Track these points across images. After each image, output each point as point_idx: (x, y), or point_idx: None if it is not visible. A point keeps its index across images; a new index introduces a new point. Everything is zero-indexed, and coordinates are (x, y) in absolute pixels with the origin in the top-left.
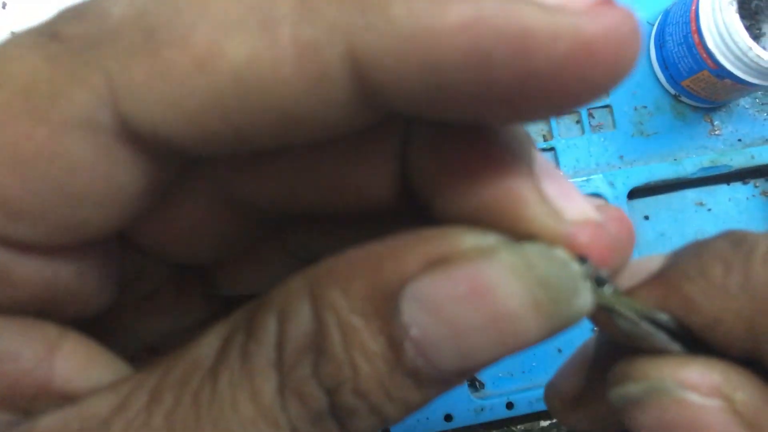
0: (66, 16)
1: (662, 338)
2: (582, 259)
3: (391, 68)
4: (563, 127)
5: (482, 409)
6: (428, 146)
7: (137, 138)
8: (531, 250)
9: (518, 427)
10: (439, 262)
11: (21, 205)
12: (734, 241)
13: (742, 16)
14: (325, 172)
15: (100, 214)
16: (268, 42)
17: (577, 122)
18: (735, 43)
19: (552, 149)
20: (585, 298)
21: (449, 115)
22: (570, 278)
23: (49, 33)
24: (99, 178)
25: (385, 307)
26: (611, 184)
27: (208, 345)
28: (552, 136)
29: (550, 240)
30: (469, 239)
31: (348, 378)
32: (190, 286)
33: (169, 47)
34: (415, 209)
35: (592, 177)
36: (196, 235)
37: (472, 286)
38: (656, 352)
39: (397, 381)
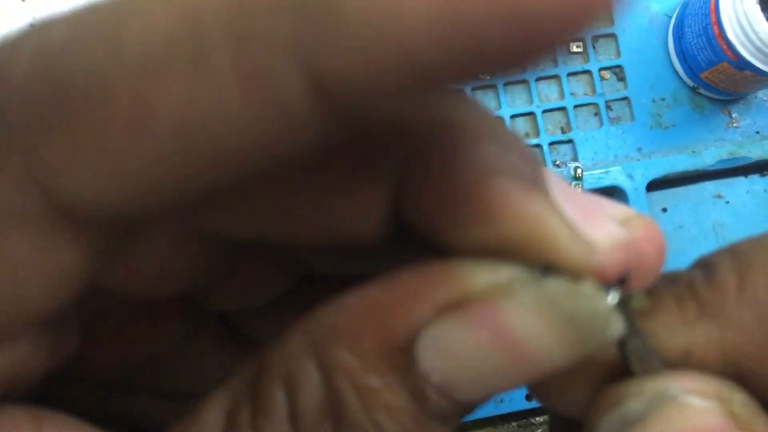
0: None
1: (657, 360)
2: (612, 285)
3: (360, 78)
4: (581, 119)
5: (501, 401)
6: (426, 176)
7: (75, 219)
8: (554, 286)
9: (537, 419)
10: (452, 306)
11: None
12: (690, 277)
13: (763, 8)
14: (305, 204)
15: (45, 298)
16: (205, 79)
17: (596, 114)
18: (756, 33)
19: (570, 141)
20: (616, 326)
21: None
22: (600, 313)
23: None
24: (38, 267)
25: (401, 361)
26: (630, 176)
27: (211, 424)
28: (570, 128)
29: (576, 271)
30: (482, 276)
31: None
32: (167, 310)
33: (88, 112)
34: (406, 234)
35: (610, 169)
36: (164, 272)
37: (493, 331)
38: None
39: (424, 426)
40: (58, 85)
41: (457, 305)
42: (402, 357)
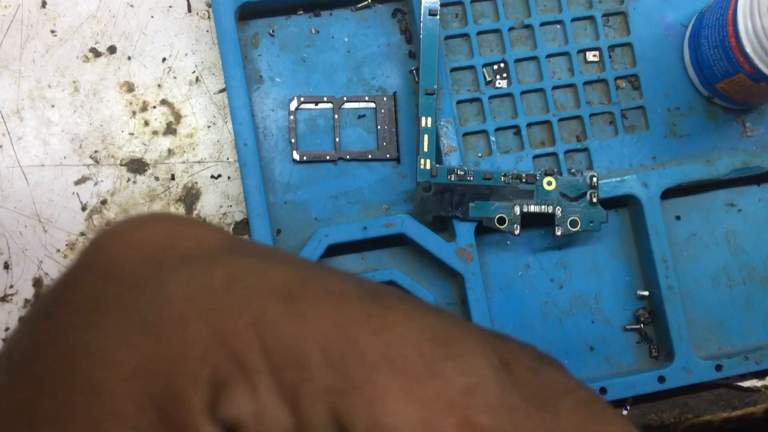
0: None
1: None
2: None
3: None
4: (596, 128)
5: None
6: None
7: None
8: None
9: None
10: None
11: None
12: None
13: None
14: None
15: None
16: None
17: (611, 123)
18: None
19: (585, 150)
20: None
21: None
22: None
23: None
24: None
25: None
26: (645, 185)
27: None
28: (586, 137)
29: None
30: None
31: None
32: None
33: None
34: None
35: (625, 178)
36: None
37: None
38: None
39: None
40: None
41: None
42: None
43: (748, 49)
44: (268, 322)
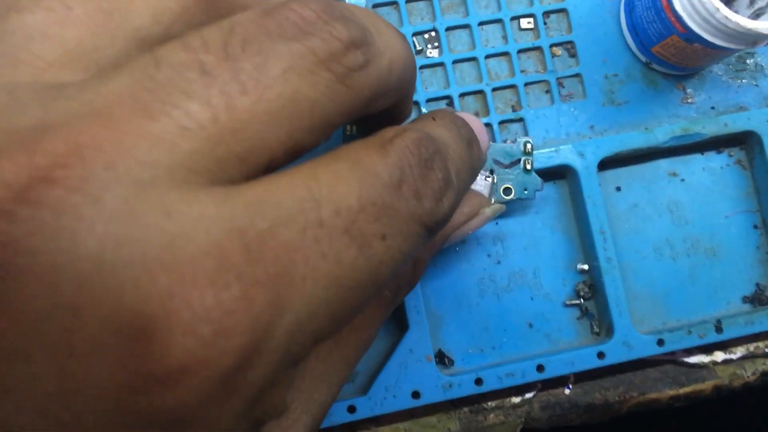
0: None
1: None
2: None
3: None
4: (532, 97)
5: (450, 386)
6: None
7: None
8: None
9: (489, 404)
10: (475, 214)
11: None
12: None
13: None
14: None
15: None
16: None
17: (547, 92)
18: (703, 5)
19: (521, 120)
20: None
21: None
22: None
23: None
24: None
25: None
26: (581, 155)
27: None
28: (521, 107)
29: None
30: (484, 201)
31: None
32: None
33: None
34: None
35: (560, 147)
36: None
37: (483, 218)
38: None
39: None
40: None
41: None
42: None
43: (679, 8)
44: None
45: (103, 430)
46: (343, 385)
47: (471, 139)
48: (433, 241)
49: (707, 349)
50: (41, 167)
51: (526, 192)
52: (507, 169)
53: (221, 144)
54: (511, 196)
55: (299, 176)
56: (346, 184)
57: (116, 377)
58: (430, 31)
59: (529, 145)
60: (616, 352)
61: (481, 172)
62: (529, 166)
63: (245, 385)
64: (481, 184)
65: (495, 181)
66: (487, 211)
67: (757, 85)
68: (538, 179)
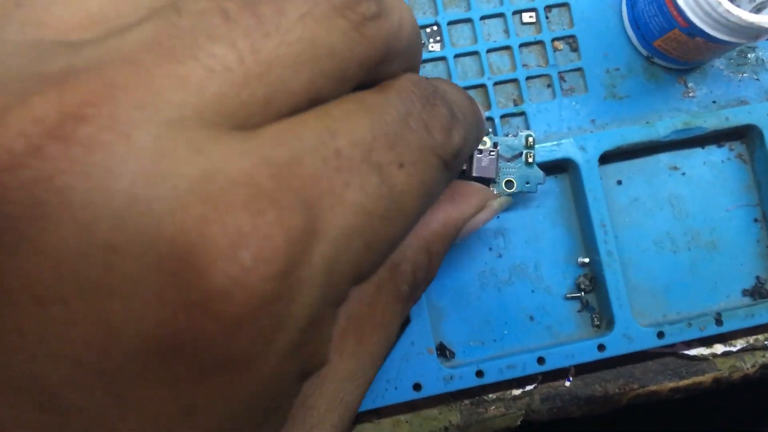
0: None
1: None
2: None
3: None
4: (534, 92)
5: (451, 378)
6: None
7: None
8: (499, 200)
9: (490, 396)
10: (483, 206)
11: None
12: None
13: None
14: None
15: None
16: None
17: (548, 86)
18: None
19: (522, 114)
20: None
21: None
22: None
23: None
24: None
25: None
26: (582, 149)
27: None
28: (522, 101)
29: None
30: (489, 194)
31: None
32: None
33: None
34: None
35: (562, 141)
36: None
37: (492, 211)
38: None
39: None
40: None
41: (486, 206)
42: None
43: (681, 2)
44: None
45: (145, 378)
46: (369, 385)
47: (468, 95)
48: (445, 231)
49: (707, 341)
50: (72, 104)
51: (528, 185)
52: (509, 163)
53: (247, 87)
54: (514, 189)
55: (312, 114)
56: (356, 117)
57: (158, 313)
58: (432, 25)
59: (530, 139)
60: (616, 345)
61: (485, 149)
62: (531, 160)
63: (289, 319)
64: (486, 160)
65: (497, 174)
66: (495, 204)
67: (758, 80)
68: (540, 172)
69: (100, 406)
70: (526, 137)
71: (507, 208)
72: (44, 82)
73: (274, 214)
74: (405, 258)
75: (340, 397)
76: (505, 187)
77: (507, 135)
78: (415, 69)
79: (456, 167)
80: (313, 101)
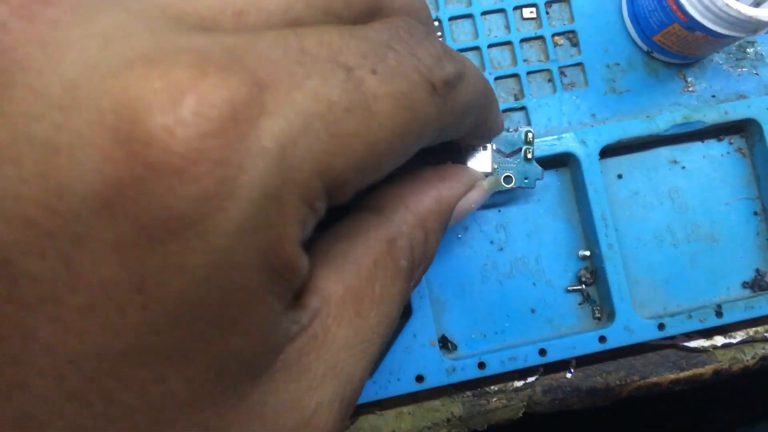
0: None
1: None
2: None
3: None
4: (534, 86)
5: (453, 370)
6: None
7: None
8: (488, 180)
9: (492, 387)
10: (473, 185)
11: None
12: None
13: None
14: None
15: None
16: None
17: (549, 81)
18: None
19: (523, 108)
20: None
21: None
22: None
23: None
24: None
25: (446, 212)
26: (583, 143)
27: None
28: (523, 95)
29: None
30: (479, 174)
31: None
32: None
33: None
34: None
35: (563, 136)
36: None
37: (481, 192)
38: None
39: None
40: None
41: (475, 185)
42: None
43: None
44: None
45: (94, 240)
46: (371, 362)
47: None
48: (438, 207)
49: (707, 333)
50: None
51: (526, 181)
52: (508, 158)
53: None
54: (512, 184)
55: (285, 26)
56: (327, 30)
57: (101, 168)
58: (433, 20)
59: (530, 135)
60: (617, 336)
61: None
62: (530, 156)
63: (239, 188)
64: (480, 154)
65: (495, 169)
66: (485, 184)
67: (757, 74)
68: (539, 168)
69: (52, 274)
70: (526, 133)
71: (506, 202)
72: None
73: (218, 78)
74: (401, 233)
75: (340, 366)
76: (504, 182)
77: (507, 130)
78: (421, 20)
79: (453, 103)
80: (291, 25)
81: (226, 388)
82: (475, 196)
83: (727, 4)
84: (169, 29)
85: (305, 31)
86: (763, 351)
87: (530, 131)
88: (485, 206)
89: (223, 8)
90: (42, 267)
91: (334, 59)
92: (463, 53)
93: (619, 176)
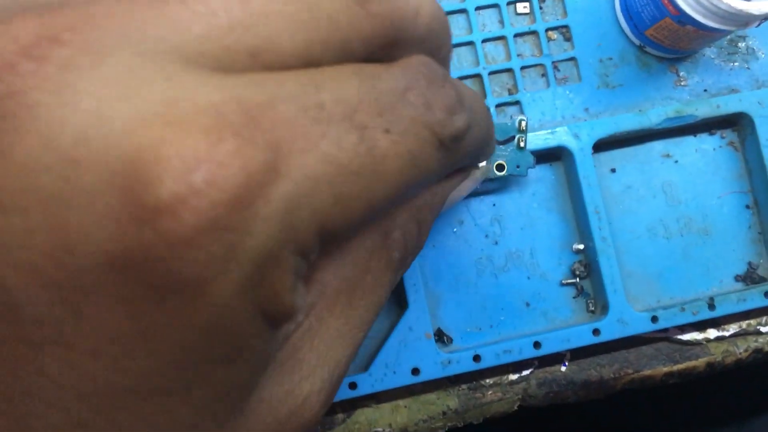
0: None
1: None
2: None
3: None
4: (528, 81)
5: (449, 362)
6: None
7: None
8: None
9: (487, 381)
10: (468, 176)
11: None
12: None
13: None
14: None
15: None
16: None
17: (543, 75)
18: None
19: (517, 102)
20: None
21: None
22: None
23: None
24: None
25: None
26: (576, 136)
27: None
28: (517, 90)
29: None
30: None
31: None
32: None
33: None
34: None
35: (556, 130)
36: None
37: (473, 179)
38: None
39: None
40: None
41: (469, 175)
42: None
43: None
44: None
45: (101, 294)
46: (358, 347)
47: (483, 102)
48: (432, 199)
49: (700, 326)
50: (51, 28)
51: (518, 168)
52: (501, 146)
53: (231, 33)
54: (504, 172)
55: (302, 70)
56: (348, 79)
57: (110, 228)
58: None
59: (524, 123)
60: (611, 329)
61: None
62: (522, 144)
63: (244, 251)
64: None
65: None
66: (477, 173)
67: (748, 68)
68: (531, 157)
69: (58, 320)
70: (519, 121)
71: (500, 195)
72: (28, 10)
73: (234, 145)
74: (396, 226)
75: (331, 355)
76: (496, 170)
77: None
78: (439, 60)
79: (456, 153)
80: (307, 66)
81: (228, 406)
82: (467, 185)
83: None
84: (186, 74)
85: (323, 80)
86: (755, 344)
87: (523, 119)
88: (478, 196)
89: (240, 48)
90: (49, 312)
91: (350, 117)
92: (458, 48)
93: (613, 170)
